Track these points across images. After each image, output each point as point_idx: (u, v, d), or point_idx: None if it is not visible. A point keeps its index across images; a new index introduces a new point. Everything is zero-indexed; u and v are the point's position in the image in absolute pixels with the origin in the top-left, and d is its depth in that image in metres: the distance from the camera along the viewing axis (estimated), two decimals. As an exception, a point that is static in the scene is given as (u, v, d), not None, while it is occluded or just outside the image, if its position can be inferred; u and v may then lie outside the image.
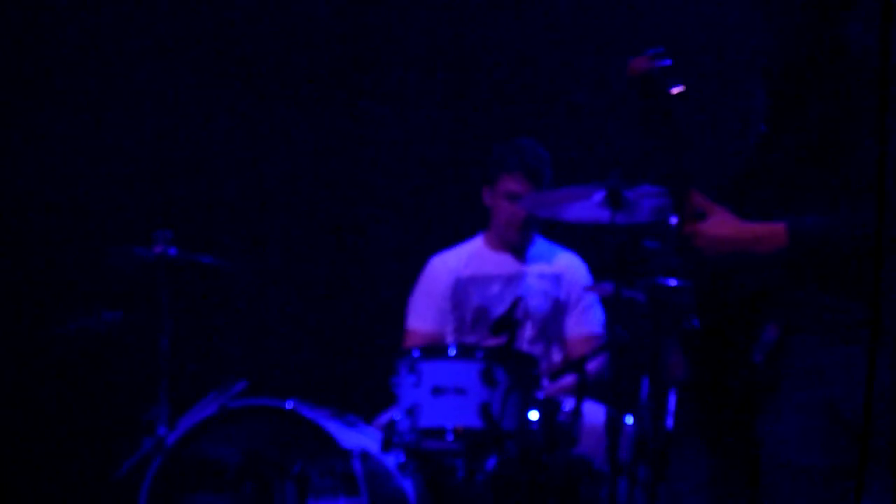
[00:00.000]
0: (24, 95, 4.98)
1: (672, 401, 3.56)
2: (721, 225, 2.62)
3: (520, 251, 4.26)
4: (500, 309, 3.97)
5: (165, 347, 3.76)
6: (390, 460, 3.59)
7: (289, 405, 3.54)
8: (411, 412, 3.46)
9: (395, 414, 3.50)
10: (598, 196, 3.73)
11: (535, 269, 4.27)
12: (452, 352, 3.54)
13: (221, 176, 4.91)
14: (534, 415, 3.52)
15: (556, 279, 4.26)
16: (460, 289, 4.14)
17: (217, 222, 4.74)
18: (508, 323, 3.63)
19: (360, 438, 3.60)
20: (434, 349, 3.67)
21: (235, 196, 4.88)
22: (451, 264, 4.22)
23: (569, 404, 3.58)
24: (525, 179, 4.19)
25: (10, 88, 4.95)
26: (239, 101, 5.02)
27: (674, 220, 2.69)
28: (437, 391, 3.49)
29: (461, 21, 5.19)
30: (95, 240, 4.33)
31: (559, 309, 4.23)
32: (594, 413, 3.75)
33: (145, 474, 3.59)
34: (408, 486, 3.64)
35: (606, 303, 4.08)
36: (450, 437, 3.42)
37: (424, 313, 4.17)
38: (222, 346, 4.52)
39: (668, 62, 2.63)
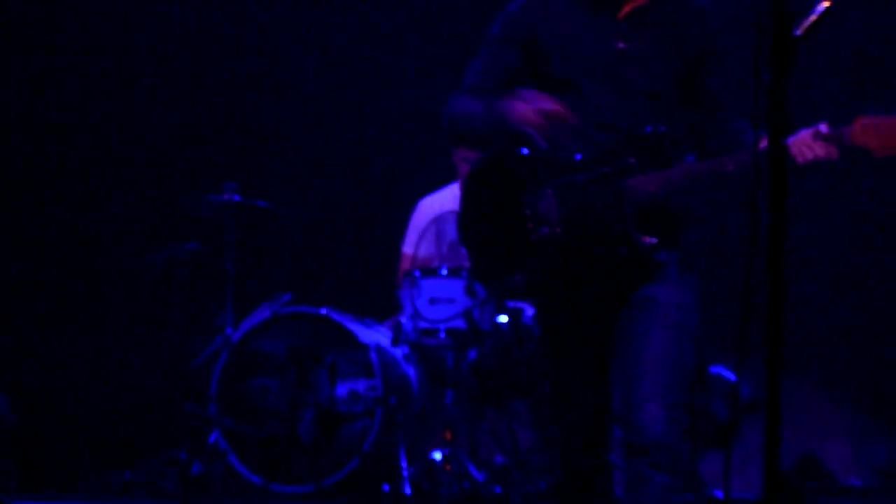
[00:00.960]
0: (117, 68, 6.03)
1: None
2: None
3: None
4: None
5: (231, 269, 4.84)
6: (398, 352, 4.61)
7: (322, 311, 4.57)
8: (413, 316, 4.49)
9: (401, 317, 4.55)
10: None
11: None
12: (444, 272, 4.57)
13: (273, 138, 5.97)
14: (503, 318, 4.58)
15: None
16: (440, 224, 5.02)
17: (269, 174, 5.82)
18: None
19: (375, 336, 4.62)
20: (430, 270, 4.58)
21: (284, 152, 5.95)
22: (434, 204, 5.09)
23: (531, 310, 4.61)
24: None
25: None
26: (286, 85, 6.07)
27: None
28: (433, 301, 4.50)
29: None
30: (179, 186, 5.39)
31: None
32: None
33: (217, 363, 4.60)
34: (411, 371, 4.67)
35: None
36: (442, 335, 4.41)
37: (414, 242, 5.05)
38: (272, 268, 5.53)
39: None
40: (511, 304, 4.57)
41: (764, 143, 2.55)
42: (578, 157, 3.23)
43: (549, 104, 3.14)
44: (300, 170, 5.89)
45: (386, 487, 4.46)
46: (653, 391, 3.18)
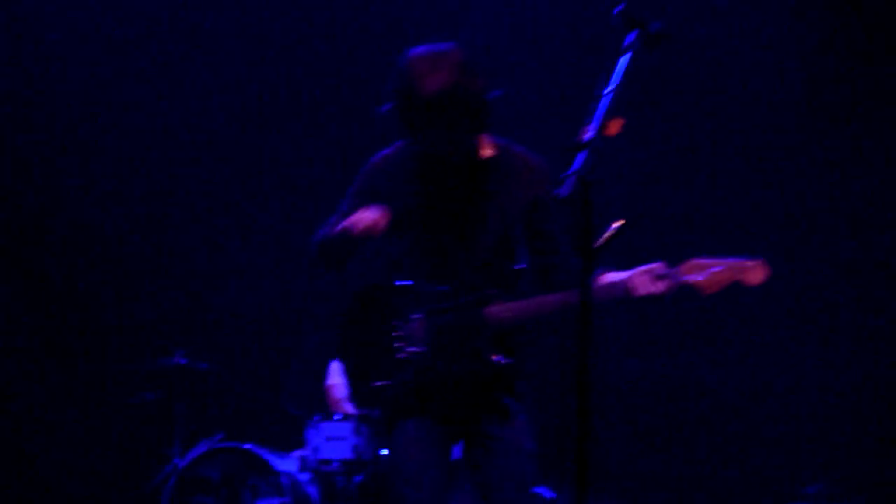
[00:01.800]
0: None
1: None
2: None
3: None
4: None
5: (179, 411, 6.24)
6: (304, 476, 5.91)
7: (246, 446, 5.93)
8: (315, 450, 5.78)
9: (306, 451, 5.85)
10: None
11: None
12: (337, 417, 5.87)
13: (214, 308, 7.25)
14: (384, 451, 6.00)
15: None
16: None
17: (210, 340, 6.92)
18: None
19: (286, 464, 5.91)
20: (328, 415, 5.85)
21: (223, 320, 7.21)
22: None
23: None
24: None
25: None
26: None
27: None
28: (329, 438, 5.80)
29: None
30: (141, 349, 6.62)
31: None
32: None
33: (167, 485, 5.93)
34: (313, 491, 5.91)
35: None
36: (335, 465, 5.76)
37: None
38: (210, 411, 6.63)
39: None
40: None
41: (633, 283, 3.34)
42: (446, 287, 3.55)
43: (371, 212, 3.44)
44: (233, 335, 7.12)
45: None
46: (519, 496, 3.56)
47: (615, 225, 2.71)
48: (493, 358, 3.51)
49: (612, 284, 3.45)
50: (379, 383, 3.59)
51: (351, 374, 3.69)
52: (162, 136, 7.12)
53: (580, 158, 2.56)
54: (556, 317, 3.58)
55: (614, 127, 2.68)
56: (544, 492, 5.95)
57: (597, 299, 3.23)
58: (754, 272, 3.49)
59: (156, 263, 7.17)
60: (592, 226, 2.57)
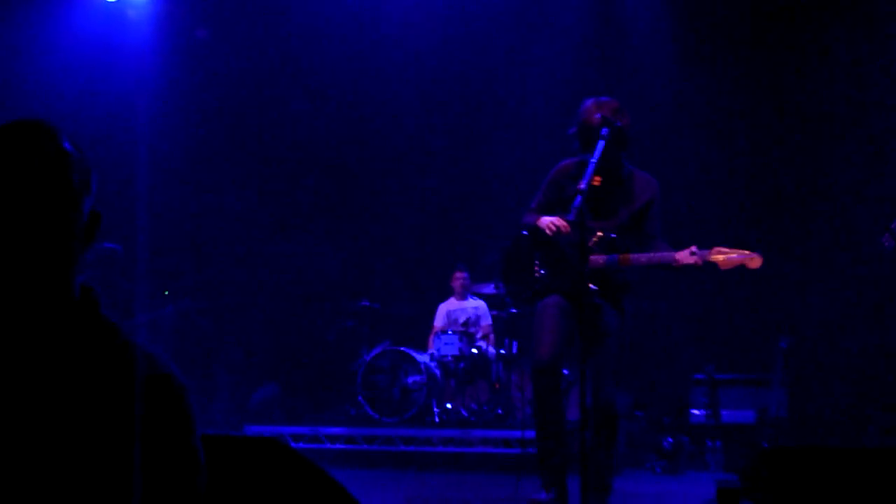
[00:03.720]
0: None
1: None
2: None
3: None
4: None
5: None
6: (433, 364, 10.78)
7: (402, 348, 10.80)
8: (437, 350, 10.77)
9: (432, 350, 10.75)
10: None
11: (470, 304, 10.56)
12: (450, 332, 10.80)
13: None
14: (474, 350, 10.95)
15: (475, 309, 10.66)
16: (448, 316, 10.76)
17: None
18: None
19: (422, 357, 10.45)
20: (443, 330, 10.77)
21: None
22: (442, 308, 10.87)
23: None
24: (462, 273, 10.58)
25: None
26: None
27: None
28: (445, 344, 10.86)
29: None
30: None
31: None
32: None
33: (359, 370, 10.86)
34: (437, 372, 10.88)
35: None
36: (448, 358, 10.70)
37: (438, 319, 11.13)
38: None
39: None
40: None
41: (679, 256, 4.86)
42: (565, 240, 5.19)
43: (557, 220, 5.13)
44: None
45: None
46: (609, 378, 5.16)
47: (597, 235, 4.59)
48: (590, 286, 5.07)
49: (667, 254, 5.06)
50: (525, 294, 5.37)
51: (507, 285, 5.75)
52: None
53: (579, 198, 4.45)
54: (639, 268, 5.18)
55: (597, 181, 4.63)
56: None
57: (656, 261, 4.98)
58: (753, 261, 4.89)
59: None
60: (586, 236, 4.23)
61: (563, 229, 5.15)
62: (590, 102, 5.31)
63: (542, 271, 5.35)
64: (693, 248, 4.97)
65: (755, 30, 9.53)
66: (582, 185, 4.60)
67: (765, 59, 9.76)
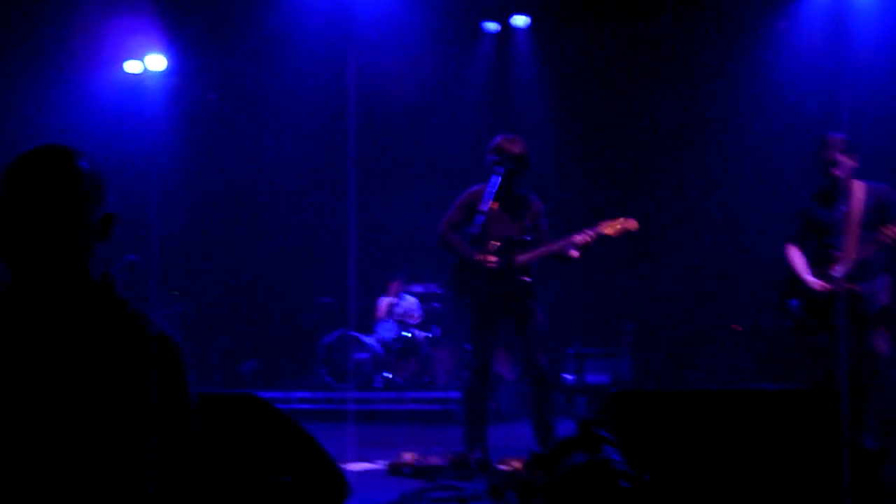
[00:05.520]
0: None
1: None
2: None
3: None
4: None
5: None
6: (377, 345, 13.85)
7: (352, 333, 13.96)
8: (381, 333, 14.08)
9: (378, 334, 13.86)
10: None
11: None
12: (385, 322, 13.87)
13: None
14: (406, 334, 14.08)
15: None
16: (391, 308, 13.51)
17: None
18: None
19: (369, 339, 13.54)
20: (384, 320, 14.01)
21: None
22: (384, 301, 13.56)
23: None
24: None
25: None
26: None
27: None
28: (386, 329, 13.54)
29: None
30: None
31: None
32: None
33: (321, 348, 13.92)
34: (381, 351, 14.02)
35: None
36: (389, 340, 13.85)
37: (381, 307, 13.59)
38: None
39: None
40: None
41: (576, 238, 5.85)
42: (497, 245, 6.08)
43: (488, 256, 5.91)
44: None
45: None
46: (539, 347, 6.04)
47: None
48: (523, 278, 5.98)
49: (563, 240, 5.93)
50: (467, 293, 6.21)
51: (457, 290, 6.39)
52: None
53: (480, 218, 5.49)
54: (547, 258, 6.06)
55: (495, 205, 5.48)
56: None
57: (557, 248, 5.73)
58: (631, 223, 5.70)
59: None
60: (490, 245, 5.38)
61: (489, 260, 6.26)
62: (496, 140, 6.32)
63: (479, 281, 6.34)
64: (584, 230, 5.93)
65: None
66: (484, 206, 5.74)
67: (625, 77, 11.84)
